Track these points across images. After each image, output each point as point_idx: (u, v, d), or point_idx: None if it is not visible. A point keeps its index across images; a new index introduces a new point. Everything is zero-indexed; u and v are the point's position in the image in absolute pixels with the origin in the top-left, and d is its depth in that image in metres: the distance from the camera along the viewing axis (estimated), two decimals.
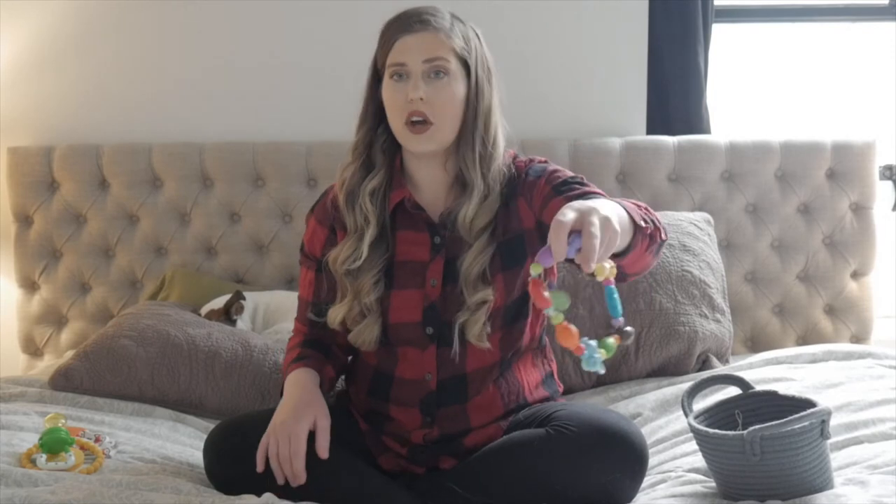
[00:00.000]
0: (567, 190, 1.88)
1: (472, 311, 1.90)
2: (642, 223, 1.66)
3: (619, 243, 1.57)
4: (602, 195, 1.83)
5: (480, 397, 1.97)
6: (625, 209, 1.64)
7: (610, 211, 1.54)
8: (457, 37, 1.92)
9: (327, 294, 2.04)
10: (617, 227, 1.52)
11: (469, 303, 1.90)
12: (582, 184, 1.90)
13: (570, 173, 1.95)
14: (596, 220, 1.48)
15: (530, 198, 1.95)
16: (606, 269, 1.51)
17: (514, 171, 1.99)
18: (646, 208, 1.74)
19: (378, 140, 1.98)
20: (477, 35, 1.97)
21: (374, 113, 1.97)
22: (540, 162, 2.01)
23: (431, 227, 1.98)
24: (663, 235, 1.74)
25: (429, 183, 2.00)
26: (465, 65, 1.93)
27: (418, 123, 1.90)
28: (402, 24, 1.92)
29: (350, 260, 1.95)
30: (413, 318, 1.95)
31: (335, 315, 1.98)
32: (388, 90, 1.93)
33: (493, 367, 1.98)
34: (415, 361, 1.96)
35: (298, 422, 1.86)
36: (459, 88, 1.92)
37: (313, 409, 1.89)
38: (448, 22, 1.93)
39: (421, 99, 1.88)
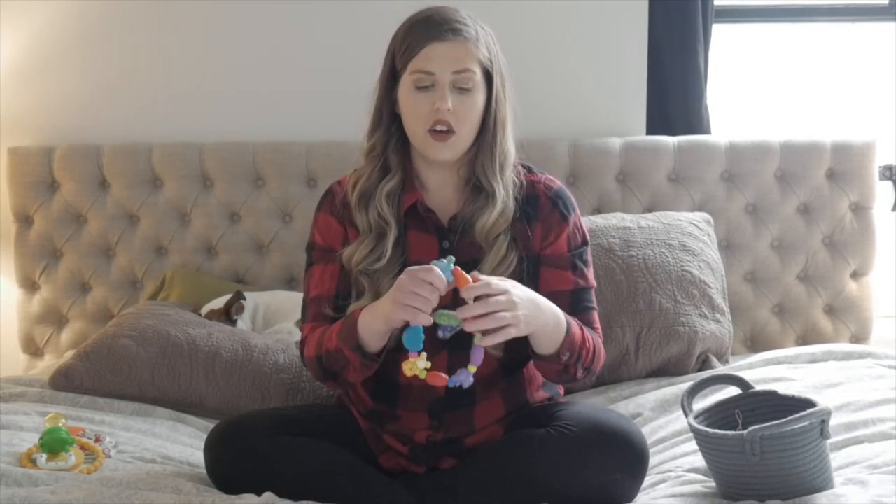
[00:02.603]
0: (578, 275, 1.96)
1: None
2: (565, 356, 1.86)
3: (540, 346, 1.84)
4: (594, 308, 1.98)
5: (487, 402, 1.97)
6: (571, 334, 1.85)
7: (537, 320, 1.79)
8: (482, 46, 1.90)
9: (345, 289, 1.97)
10: (522, 329, 1.77)
11: None
12: (588, 286, 1.98)
13: (584, 232, 2.01)
14: (507, 314, 1.74)
15: (546, 233, 1.96)
16: (418, 368, 1.75)
17: (523, 180, 1.98)
18: (592, 352, 1.91)
19: (391, 141, 1.96)
20: (493, 40, 1.94)
21: (389, 114, 1.95)
22: (553, 184, 2.00)
23: (440, 231, 1.97)
24: (579, 374, 1.92)
25: (439, 186, 1.99)
26: (486, 73, 1.91)
27: (441, 132, 1.88)
28: (432, 30, 1.88)
29: (370, 260, 1.92)
30: (426, 321, 1.91)
31: None
32: (410, 96, 1.90)
33: (500, 372, 1.98)
34: None
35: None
36: (481, 98, 1.91)
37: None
38: (474, 30, 1.90)
39: (449, 110, 1.87)
